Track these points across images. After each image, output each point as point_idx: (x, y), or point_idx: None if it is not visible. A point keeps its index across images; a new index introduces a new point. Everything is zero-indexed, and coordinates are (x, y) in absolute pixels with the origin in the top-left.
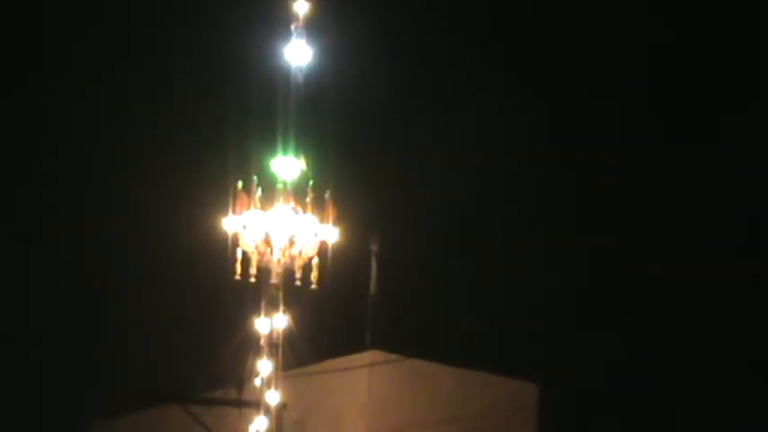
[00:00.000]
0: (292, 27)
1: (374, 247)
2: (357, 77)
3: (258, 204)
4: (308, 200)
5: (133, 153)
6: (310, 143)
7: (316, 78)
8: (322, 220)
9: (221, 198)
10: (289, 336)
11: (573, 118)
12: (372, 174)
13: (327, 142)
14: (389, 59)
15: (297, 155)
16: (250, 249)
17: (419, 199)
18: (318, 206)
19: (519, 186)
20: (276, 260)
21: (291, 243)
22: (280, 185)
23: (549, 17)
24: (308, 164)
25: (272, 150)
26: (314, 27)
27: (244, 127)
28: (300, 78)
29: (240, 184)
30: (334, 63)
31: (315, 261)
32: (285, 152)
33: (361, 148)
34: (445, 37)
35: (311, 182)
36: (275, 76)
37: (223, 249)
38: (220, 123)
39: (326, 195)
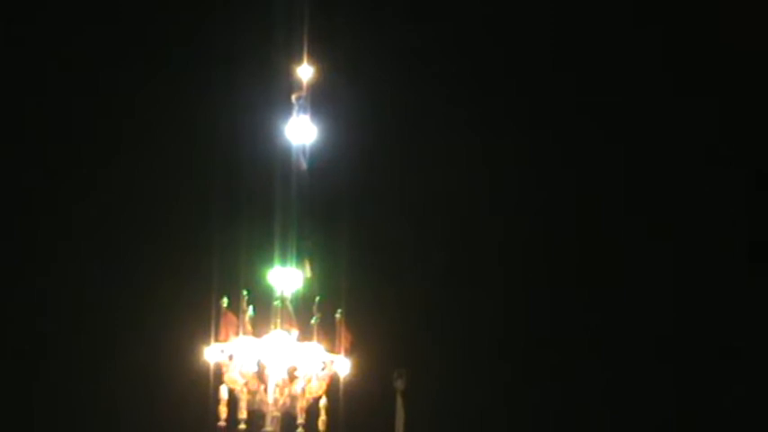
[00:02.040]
0: (294, 98)
1: (400, 384)
2: (371, 163)
3: (249, 327)
4: (313, 322)
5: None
6: (316, 251)
7: (322, 165)
8: (332, 349)
9: (202, 320)
10: None
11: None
12: (396, 289)
13: (338, 249)
14: (405, 139)
15: (299, 263)
16: (238, 386)
17: (450, 320)
18: (327, 330)
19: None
20: (272, 401)
21: (292, 378)
22: (277, 303)
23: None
24: (313, 272)
25: (267, 259)
26: (318, 99)
27: (232, 228)
28: (303, 164)
29: (225, 301)
30: (342, 146)
31: (323, 402)
32: (284, 261)
33: (380, 257)
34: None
35: (317, 298)
36: (273, 161)
37: (204, 387)
38: (203, 223)
39: (338, 315)
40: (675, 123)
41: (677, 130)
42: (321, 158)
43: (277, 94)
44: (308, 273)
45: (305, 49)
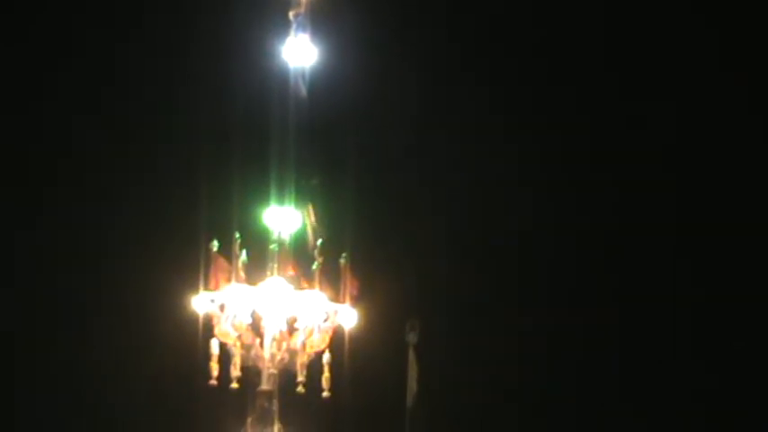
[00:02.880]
0: (291, 16)
1: (412, 337)
2: (377, 86)
3: (242, 274)
4: (314, 268)
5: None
6: (316, 187)
7: (322, 92)
8: (336, 298)
9: (189, 266)
10: None
11: None
12: (407, 231)
13: (341, 188)
14: (414, 62)
15: (299, 203)
16: (231, 340)
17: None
18: (330, 277)
19: None
20: (269, 356)
21: (291, 331)
22: (274, 247)
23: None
24: (315, 215)
25: (262, 197)
26: (319, 18)
27: (222, 162)
28: (302, 90)
29: (215, 244)
30: (344, 68)
31: (326, 357)
32: (282, 200)
33: (389, 197)
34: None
35: (320, 241)
36: (268, 87)
37: (192, 341)
38: (189, 157)
39: (342, 260)
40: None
41: None
42: (322, 83)
43: (273, 11)
44: (312, 219)
45: None
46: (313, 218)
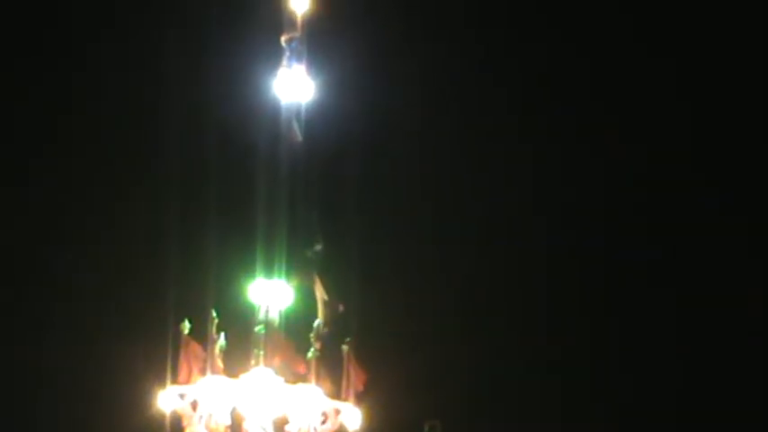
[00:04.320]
0: (284, 41)
1: None
2: (384, 133)
3: (220, 363)
4: (310, 356)
5: None
6: (316, 256)
7: (321, 134)
8: (336, 393)
9: (155, 352)
10: None
11: None
12: (420, 309)
13: (344, 255)
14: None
15: (293, 275)
16: None
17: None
18: (330, 367)
19: None
20: None
21: None
22: (260, 330)
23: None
24: (328, 294)
25: (246, 268)
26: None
27: (199, 225)
28: (297, 133)
29: (187, 325)
30: (347, 105)
31: None
32: (270, 271)
33: (399, 268)
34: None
35: (317, 323)
36: (256, 129)
37: None
38: (159, 218)
39: (345, 347)
40: None
41: None
42: (321, 123)
43: (262, 36)
44: (322, 294)
45: None
46: (320, 293)
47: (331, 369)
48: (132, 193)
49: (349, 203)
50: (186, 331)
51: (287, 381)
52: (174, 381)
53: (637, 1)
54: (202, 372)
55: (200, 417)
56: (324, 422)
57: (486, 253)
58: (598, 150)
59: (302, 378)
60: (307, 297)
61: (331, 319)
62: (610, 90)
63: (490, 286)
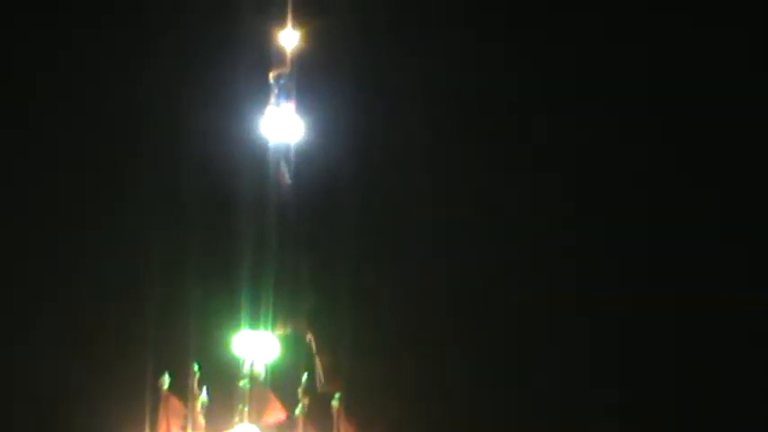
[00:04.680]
0: (272, 78)
1: None
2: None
3: (202, 420)
4: (298, 412)
5: None
6: (308, 308)
7: (311, 176)
8: None
9: (132, 408)
10: None
11: None
12: (419, 360)
13: (336, 303)
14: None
15: (281, 327)
16: None
17: None
18: (319, 423)
19: None
20: None
21: None
22: (244, 384)
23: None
24: (319, 352)
25: (229, 319)
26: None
27: (180, 273)
28: (286, 176)
29: (167, 380)
30: (339, 145)
31: None
32: (255, 322)
33: (394, 317)
34: None
35: (305, 376)
36: (243, 171)
37: None
38: (137, 266)
39: (335, 402)
40: None
41: None
42: (311, 165)
43: (250, 72)
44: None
45: (288, 6)
46: (315, 350)
47: (320, 426)
48: (110, 237)
49: (340, 248)
50: (166, 386)
51: None
52: None
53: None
54: (183, 429)
55: None
56: None
57: (481, 305)
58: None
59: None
60: (294, 349)
61: (324, 375)
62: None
63: (483, 342)
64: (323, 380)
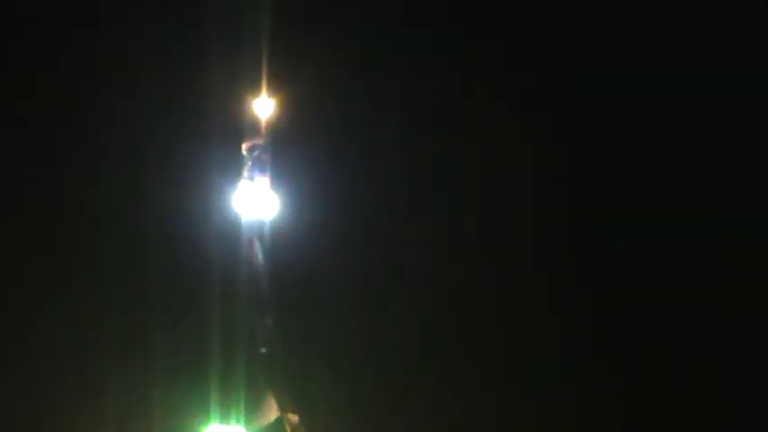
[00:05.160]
0: (245, 150)
1: None
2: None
3: None
4: None
5: None
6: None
7: (288, 257)
8: None
9: None
10: None
11: None
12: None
13: (324, 397)
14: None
15: (253, 419)
16: None
17: None
18: None
19: None
20: None
21: None
22: None
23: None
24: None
25: (198, 413)
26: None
27: (140, 367)
28: (259, 257)
29: None
30: (321, 224)
31: None
32: (226, 415)
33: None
34: None
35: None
36: (210, 253)
37: None
38: (94, 359)
39: None
40: None
41: None
42: (287, 244)
43: (220, 143)
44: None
45: (263, 72)
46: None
47: None
48: (60, 322)
49: (321, 336)
50: None
51: None
52: None
53: None
54: None
55: None
56: None
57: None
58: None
59: None
60: None
61: None
62: None
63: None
64: None
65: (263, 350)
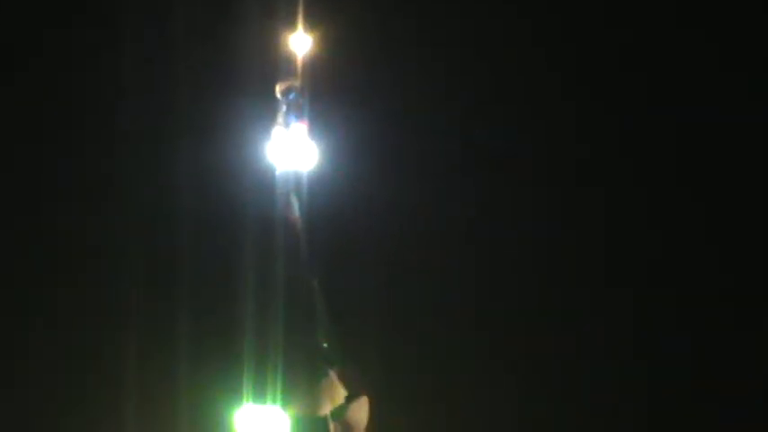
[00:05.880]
0: (280, 93)
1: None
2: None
3: None
4: None
5: None
6: None
7: (330, 214)
8: None
9: None
10: None
11: None
12: None
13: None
14: None
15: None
16: None
17: None
18: None
19: None
20: None
21: None
22: None
23: None
24: None
25: (231, 392)
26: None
27: (169, 343)
28: (296, 213)
29: None
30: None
31: None
32: (261, 396)
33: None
34: None
35: None
36: (244, 208)
37: None
38: (114, 333)
39: None
40: None
41: None
42: (325, 198)
43: (252, 87)
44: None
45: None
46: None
47: None
48: (90, 294)
49: (363, 299)
50: None
51: None
52: None
53: None
54: None
55: None
56: None
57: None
58: None
59: None
60: (306, 426)
61: None
62: None
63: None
64: None
65: (302, 320)
